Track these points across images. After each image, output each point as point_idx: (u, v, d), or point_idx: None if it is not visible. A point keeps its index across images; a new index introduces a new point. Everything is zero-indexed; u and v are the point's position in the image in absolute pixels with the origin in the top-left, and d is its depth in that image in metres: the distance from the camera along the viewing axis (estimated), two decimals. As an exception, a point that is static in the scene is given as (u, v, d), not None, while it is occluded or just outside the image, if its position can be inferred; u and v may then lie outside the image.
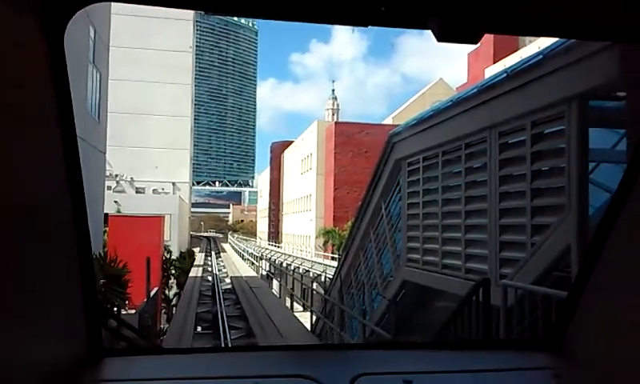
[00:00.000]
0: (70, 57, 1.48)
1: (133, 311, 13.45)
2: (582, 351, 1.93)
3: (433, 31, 1.27)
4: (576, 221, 5.66)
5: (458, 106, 8.60)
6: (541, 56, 6.43)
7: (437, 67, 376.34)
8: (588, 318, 1.93)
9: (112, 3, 17.15)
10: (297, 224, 56.82)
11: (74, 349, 1.75)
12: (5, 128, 1.25)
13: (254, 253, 50.48)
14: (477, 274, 7.43)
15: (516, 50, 28.09)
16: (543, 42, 9.80)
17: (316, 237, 45.73)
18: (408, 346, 2.56)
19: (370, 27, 1.40)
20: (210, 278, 30.67)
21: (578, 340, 1.97)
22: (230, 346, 13.62)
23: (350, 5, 1.31)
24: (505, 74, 7.34)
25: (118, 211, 27.14)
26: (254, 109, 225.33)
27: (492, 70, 25.13)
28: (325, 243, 42.79)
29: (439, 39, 1.27)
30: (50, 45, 1.40)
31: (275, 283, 31.61)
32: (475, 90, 8.25)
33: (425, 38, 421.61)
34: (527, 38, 26.63)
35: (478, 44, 1.33)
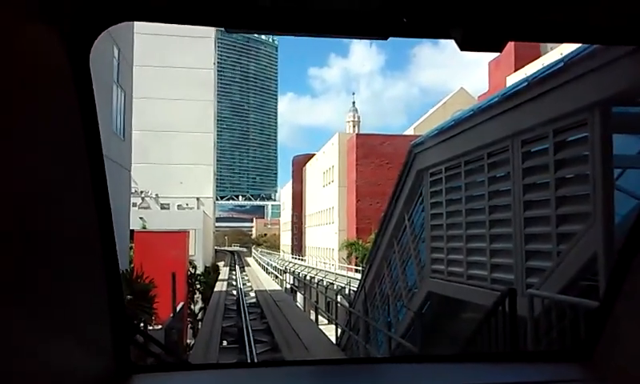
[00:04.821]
0: (95, 76, 1.51)
1: (159, 327, 13.57)
2: (613, 362, 1.89)
3: (455, 40, 1.27)
4: (602, 228, 5.56)
5: (480, 115, 8.53)
6: (562, 63, 6.36)
7: (454, 78, 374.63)
8: (619, 329, 1.89)
9: (135, 23, 17.47)
10: (320, 237, 56.63)
11: (103, 365, 1.75)
12: (33, 148, 1.28)
13: (278, 266, 50.52)
14: (502, 284, 7.33)
15: (538, 58, 27.80)
16: (565, 49, 9.71)
17: (339, 249, 45.47)
18: (435, 359, 2.53)
19: (388, 40, 1.40)
20: (234, 293, 30.71)
21: (609, 351, 1.92)
22: (255, 360, 13.61)
23: (371, 17, 1.31)
24: (526, 82, 7.28)
25: (144, 227, 27.45)
26: (276, 123, 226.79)
27: (514, 79, 24.91)
28: (348, 255, 42.57)
29: (462, 48, 1.26)
30: (76, 65, 1.43)
31: (299, 296, 31.55)
32: (496, 99, 8.18)
33: (440, 49, 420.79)
34: (549, 45, 26.35)
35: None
